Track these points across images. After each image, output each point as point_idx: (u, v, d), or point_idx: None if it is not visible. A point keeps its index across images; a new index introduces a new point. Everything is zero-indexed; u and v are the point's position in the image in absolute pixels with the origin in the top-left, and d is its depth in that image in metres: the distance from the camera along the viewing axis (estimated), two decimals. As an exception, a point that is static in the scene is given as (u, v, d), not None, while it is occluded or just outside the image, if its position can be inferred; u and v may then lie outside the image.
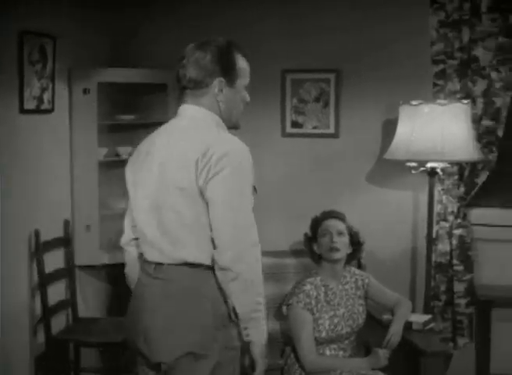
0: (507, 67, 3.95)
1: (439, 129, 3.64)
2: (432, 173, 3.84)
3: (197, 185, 2.24)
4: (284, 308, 3.37)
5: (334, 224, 3.43)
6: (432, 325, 3.64)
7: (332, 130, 4.29)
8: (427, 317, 3.63)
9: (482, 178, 4.06)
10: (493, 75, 3.97)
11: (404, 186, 4.23)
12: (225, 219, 2.24)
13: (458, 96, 4.01)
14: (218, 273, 2.26)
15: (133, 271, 2.55)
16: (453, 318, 4.16)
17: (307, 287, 3.33)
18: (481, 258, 4.22)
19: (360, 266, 3.79)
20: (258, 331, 2.31)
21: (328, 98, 4.27)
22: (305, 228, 3.54)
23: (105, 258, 4.18)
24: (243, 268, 2.22)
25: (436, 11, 4.03)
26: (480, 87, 4.00)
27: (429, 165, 3.80)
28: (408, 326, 3.48)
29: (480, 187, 4.09)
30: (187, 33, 4.26)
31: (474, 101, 3.98)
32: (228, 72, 2.40)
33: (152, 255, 2.38)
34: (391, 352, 3.33)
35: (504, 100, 3.98)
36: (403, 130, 3.79)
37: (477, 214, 4.23)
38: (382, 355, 3.28)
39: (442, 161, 3.72)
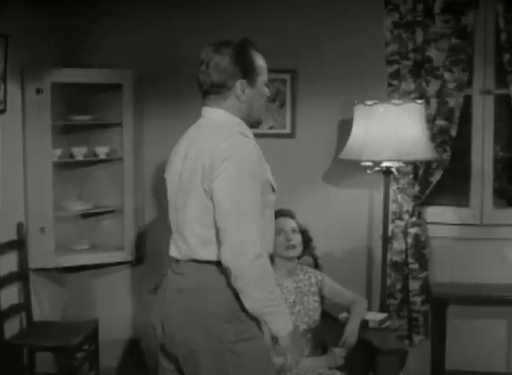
0: (460, 68, 4.01)
1: (393, 129, 3.67)
2: (387, 172, 3.87)
3: (203, 187, 2.30)
4: None
5: (287, 222, 3.44)
6: (387, 323, 3.66)
7: (288, 130, 4.30)
8: (383, 315, 3.65)
9: (436, 177, 4.11)
10: (446, 75, 4.03)
11: (360, 185, 4.27)
12: (227, 219, 2.27)
13: (412, 96, 4.05)
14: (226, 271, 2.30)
15: None
16: (409, 316, 4.21)
17: None
18: (436, 256, 4.27)
19: (317, 266, 3.81)
20: (277, 325, 2.34)
21: (284, 98, 4.27)
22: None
23: (60, 261, 4.12)
24: (245, 267, 2.24)
25: (390, 12, 4.07)
26: (433, 87, 4.05)
27: (384, 164, 3.83)
28: (364, 324, 3.49)
29: (434, 186, 4.15)
30: (142, 33, 4.26)
31: (428, 102, 4.04)
32: (248, 72, 2.43)
33: (173, 251, 2.47)
34: (348, 351, 3.35)
35: (457, 100, 4.04)
36: (358, 129, 3.81)
37: (431, 212, 4.28)
38: (339, 353, 3.30)
39: (396, 160, 3.75)
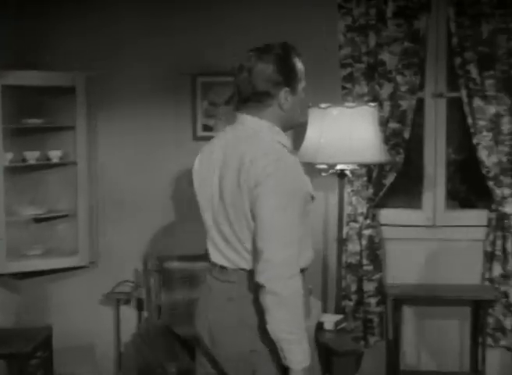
0: (412, 71, 4.05)
1: (347, 131, 3.69)
2: (342, 175, 3.89)
3: (248, 204, 2.25)
4: None
5: None
6: (343, 325, 3.69)
7: (243, 133, 4.29)
8: (338, 317, 3.68)
9: (390, 179, 4.15)
10: (399, 79, 4.07)
11: (314, 188, 4.22)
12: (266, 238, 2.20)
13: (366, 99, 4.09)
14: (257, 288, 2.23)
15: None
16: (364, 317, 4.24)
17: None
18: (390, 257, 4.31)
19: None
20: (295, 357, 2.18)
21: (239, 101, 4.27)
22: None
23: (12, 267, 4.05)
24: (279, 285, 2.17)
25: (344, 16, 4.10)
26: (386, 90, 4.09)
27: (338, 167, 3.85)
28: (320, 326, 3.51)
29: (388, 188, 4.19)
30: (94, 36, 4.22)
31: (381, 104, 4.07)
32: (291, 80, 2.37)
33: (216, 258, 2.41)
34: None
35: (410, 103, 4.09)
36: (312, 132, 3.83)
37: (385, 214, 4.33)
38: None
39: (350, 163, 3.78)
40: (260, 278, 2.18)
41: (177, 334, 3.60)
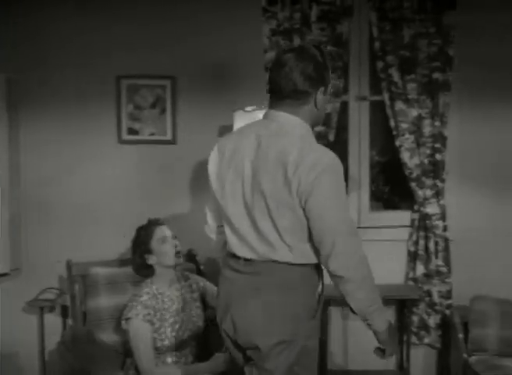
0: (336, 74, 4.09)
1: (273, 134, 3.70)
2: (268, 177, 3.90)
3: (298, 199, 2.31)
4: (123, 323, 3.25)
5: (165, 230, 3.39)
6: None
7: (169, 137, 4.26)
8: (266, 319, 3.67)
9: (316, 181, 4.18)
10: (323, 82, 4.11)
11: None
12: (334, 230, 2.31)
13: (291, 102, 4.11)
14: (333, 279, 2.38)
15: (216, 255, 2.81)
16: (292, 318, 4.25)
17: (144, 297, 3.26)
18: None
19: (199, 273, 3.79)
20: (378, 322, 2.45)
21: (165, 104, 4.23)
22: None
23: None
24: (355, 274, 2.35)
25: (268, 19, 4.12)
26: (311, 93, 4.13)
27: (265, 169, 3.85)
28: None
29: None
30: (19, 39, 4.12)
31: (306, 107, 4.10)
32: (326, 80, 2.47)
33: (242, 251, 2.47)
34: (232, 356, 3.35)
35: (334, 106, 4.14)
36: (238, 135, 3.82)
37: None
38: (222, 359, 3.30)
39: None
40: (337, 270, 2.33)
41: (103, 341, 3.55)
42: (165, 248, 3.34)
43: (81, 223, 4.25)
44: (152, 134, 4.26)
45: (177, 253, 3.35)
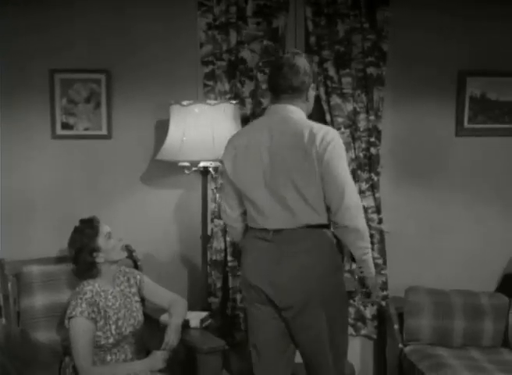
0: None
1: (209, 129, 3.70)
2: (205, 172, 3.90)
3: (315, 168, 2.85)
4: (66, 322, 3.20)
5: (105, 226, 3.36)
6: (209, 322, 3.70)
7: (104, 132, 4.19)
8: (204, 314, 3.68)
9: (253, 176, 4.20)
10: (260, 76, 4.12)
11: (179, 185, 4.27)
12: (343, 188, 2.84)
13: (228, 96, 4.11)
14: (338, 230, 2.90)
15: (238, 240, 3.25)
16: (231, 313, 4.27)
17: (88, 295, 3.22)
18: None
19: (137, 269, 3.76)
20: (369, 268, 2.98)
21: (100, 98, 4.17)
22: None
23: None
24: (357, 223, 2.86)
25: (204, 13, 4.09)
26: (248, 87, 4.13)
27: (202, 164, 3.85)
28: (186, 324, 3.50)
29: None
30: None
31: (243, 102, 4.11)
32: (314, 77, 3.08)
33: (270, 224, 2.93)
34: (171, 353, 3.34)
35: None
36: (174, 130, 3.80)
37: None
38: (160, 356, 3.29)
39: (213, 160, 3.78)
40: (344, 221, 2.85)
41: (38, 341, 3.49)
42: (111, 243, 3.32)
43: (14, 220, 4.16)
44: (87, 129, 4.19)
45: (122, 247, 3.37)
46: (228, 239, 4.18)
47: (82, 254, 3.28)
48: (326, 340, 2.99)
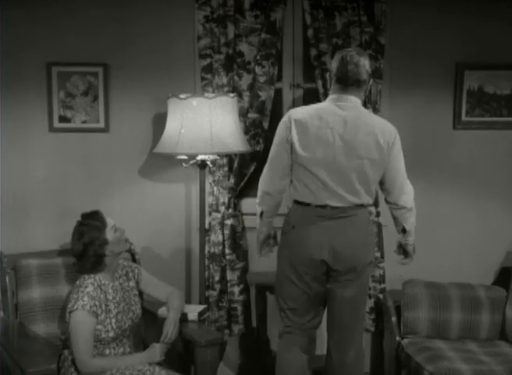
0: (270, 62, 4.10)
1: (207, 122, 3.70)
2: (202, 165, 3.90)
3: (383, 158, 3.30)
4: (67, 315, 3.19)
5: (110, 219, 3.35)
6: (206, 315, 3.71)
7: (102, 125, 4.19)
8: (202, 307, 3.69)
9: (251, 169, 4.20)
10: (257, 69, 4.11)
11: (177, 179, 4.27)
12: (404, 177, 3.43)
13: (226, 90, 4.11)
14: (397, 210, 3.47)
15: (273, 210, 3.52)
16: (228, 306, 4.28)
17: (90, 288, 3.22)
18: (251, 246, 4.37)
19: (134, 262, 3.77)
20: (413, 238, 3.56)
21: (97, 91, 4.16)
22: None
23: None
24: (413, 204, 3.47)
25: (202, 6, 4.08)
26: (245, 81, 4.13)
27: (199, 157, 3.85)
28: (184, 317, 3.51)
29: (249, 178, 4.23)
30: None
31: (240, 95, 4.11)
32: (370, 76, 3.41)
33: (332, 201, 3.29)
34: (168, 346, 3.35)
35: (268, 93, 4.14)
36: (172, 123, 3.80)
37: (247, 204, 4.37)
38: (158, 349, 3.29)
39: (211, 153, 3.78)
40: (407, 203, 3.43)
41: (36, 334, 3.49)
42: (117, 235, 3.32)
43: (12, 213, 4.16)
44: (84, 122, 4.19)
45: (126, 240, 3.38)
46: (226, 232, 4.19)
47: (92, 247, 3.25)
48: (359, 301, 3.49)
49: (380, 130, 3.29)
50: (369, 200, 3.38)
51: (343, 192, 3.28)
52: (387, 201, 3.50)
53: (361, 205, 3.35)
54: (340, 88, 3.32)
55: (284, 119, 3.37)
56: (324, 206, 3.29)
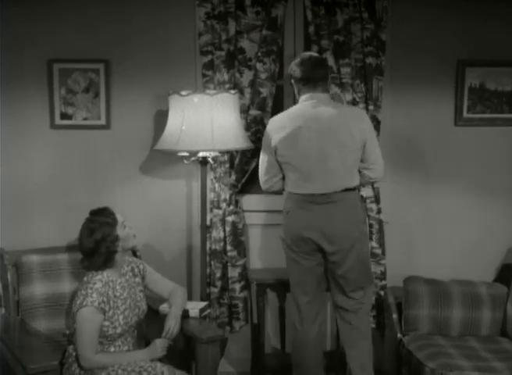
0: (271, 58, 4.10)
1: (208, 119, 3.70)
2: (204, 162, 3.90)
3: (361, 142, 3.57)
4: (75, 312, 3.18)
5: (119, 215, 3.34)
6: (208, 311, 3.71)
7: (103, 122, 4.20)
8: (203, 304, 3.69)
9: (252, 166, 4.20)
10: (258, 66, 4.11)
11: (178, 175, 4.27)
12: (377, 153, 3.66)
13: (227, 86, 4.10)
14: (366, 181, 3.73)
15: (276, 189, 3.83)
16: (229, 303, 4.28)
17: (98, 285, 3.21)
18: (253, 243, 4.37)
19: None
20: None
21: (98, 88, 4.17)
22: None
23: None
24: (382, 174, 3.75)
25: (202, 3, 4.08)
26: (247, 77, 4.13)
27: (201, 154, 3.85)
28: (185, 314, 3.51)
29: (250, 175, 4.23)
30: None
31: (241, 92, 4.10)
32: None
33: (319, 189, 3.57)
34: (171, 342, 3.35)
35: (269, 90, 4.14)
36: (173, 120, 3.80)
37: (247, 200, 4.38)
38: (160, 345, 3.30)
39: (212, 150, 3.78)
40: (378, 176, 3.72)
41: (37, 330, 3.50)
42: (126, 231, 3.32)
43: (13, 210, 4.17)
44: (86, 119, 4.19)
45: (134, 235, 3.37)
46: (227, 229, 4.19)
47: (104, 244, 3.23)
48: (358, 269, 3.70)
49: (351, 119, 3.61)
50: (353, 182, 3.64)
51: (326, 181, 3.57)
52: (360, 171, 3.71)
53: (346, 189, 3.60)
54: (309, 87, 3.65)
55: (267, 126, 3.76)
56: (313, 194, 3.59)
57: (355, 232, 3.64)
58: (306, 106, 3.64)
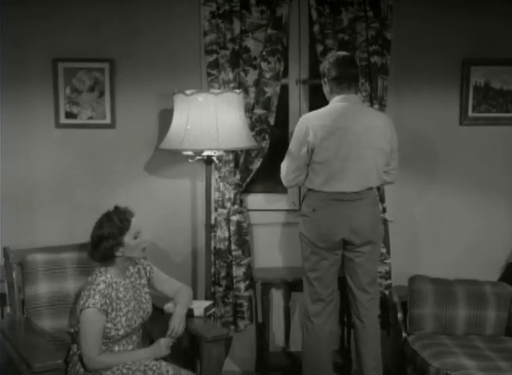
0: (276, 58, 4.10)
1: (213, 118, 3.69)
2: (209, 161, 3.90)
3: (391, 145, 3.71)
4: (78, 313, 3.18)
5: (137, 223, 3.28)
6: (212, 310, 3.70)
7: (108, 121, 4.21)
8: (208, 303, 3.68)
9: (256, 165, 4.20)
10: (263, 65, 4.11)
11: (182, 175, 4.28)
12: (397, 159, 3.83)
13: (232, 85, 4.10)
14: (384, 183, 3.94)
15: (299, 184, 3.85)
16: (234, 302, 4.28)
17: (101, 286, 3.19)
18: (258, 242, 4.37)
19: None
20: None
21: (103, 87, 4.17)
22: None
23: None
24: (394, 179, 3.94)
25: (207, 2, 4.09)
26: (251, 76, 4.13)
27: (205, 153, 3.85)
28: (190, 313, 3.51)
29: (254, 174, 4.23)
30: None
31: (246, 91, 4.10)
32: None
33: (348, 188, 3.63)
34: (175, 341, 3.35)
35: (274, 89, 4.14)
36: (178, 119, 3.80)
37: (252, 200, 4.38)
38: (164, 344, 3.29)
39: (217, 149, 3.78)
40: (393, 181, 3.90)
41: (42, 329, 3.50)
42: (135, 242, 3.25)
43: (18, 209, 4.17)
44: (91, 118, 4.20)
45: (143, 249, 3.30)
46: (232, 228, 4.19)
47: (104, 242, 3.21)
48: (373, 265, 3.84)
49: (384, 123, 3.68)
50: (377, 182, 3.76)
51: (358, 181, 3.63)
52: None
53: (370, 188, 3.70)
54: (343, 88, 3.66)
55: (301, 124, 3.69)
56: (341, 193, 3.64)
57: (380, 227, 3.82)
58: (343, 108, 3.64)
